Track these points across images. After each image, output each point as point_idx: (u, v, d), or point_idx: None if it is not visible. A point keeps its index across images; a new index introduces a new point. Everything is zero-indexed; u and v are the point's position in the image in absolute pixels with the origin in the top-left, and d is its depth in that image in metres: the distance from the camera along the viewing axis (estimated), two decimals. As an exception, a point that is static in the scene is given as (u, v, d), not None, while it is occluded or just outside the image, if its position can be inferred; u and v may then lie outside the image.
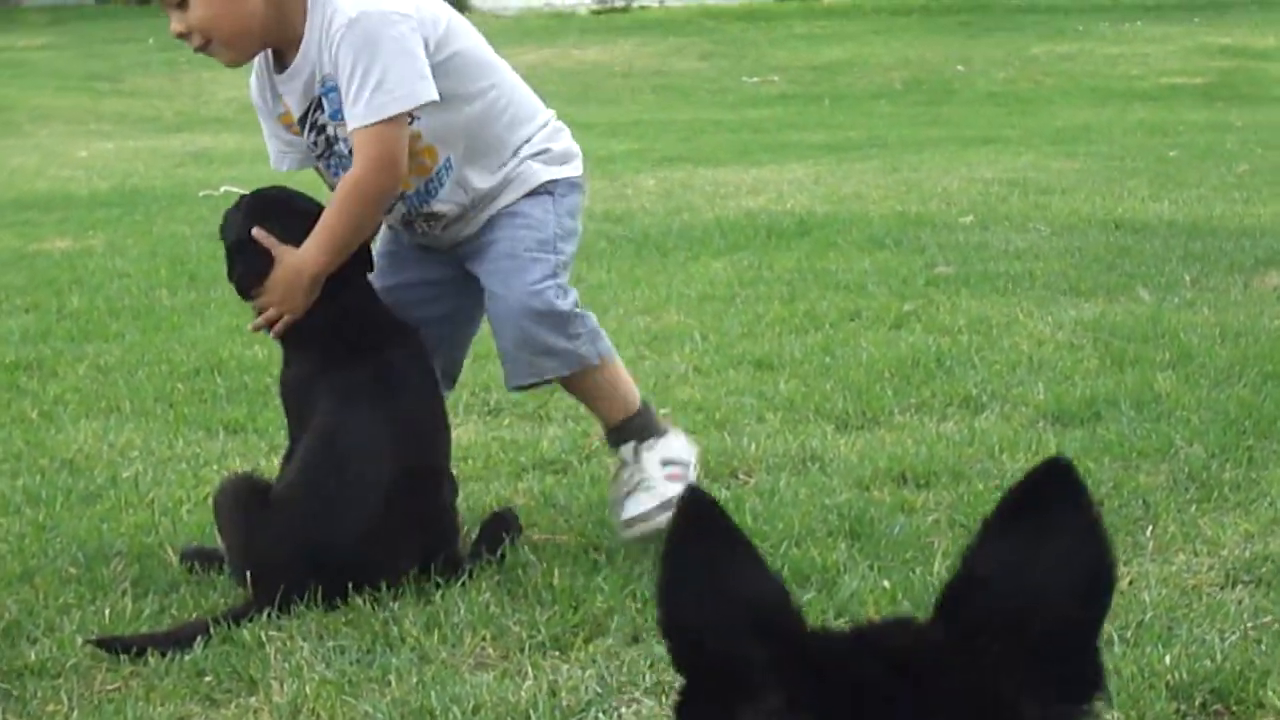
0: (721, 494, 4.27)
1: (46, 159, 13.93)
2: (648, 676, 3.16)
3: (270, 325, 3.78)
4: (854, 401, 5.09)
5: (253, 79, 3.88)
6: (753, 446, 4.68)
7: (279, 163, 3.94)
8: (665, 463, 3.94)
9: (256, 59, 3.81)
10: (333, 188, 3.82)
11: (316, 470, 3.63)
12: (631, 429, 3.98)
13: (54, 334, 6.55)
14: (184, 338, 6.41)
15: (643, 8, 26.42)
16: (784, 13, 25.43)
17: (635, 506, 3.86)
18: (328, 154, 3.80)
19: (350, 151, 3.67)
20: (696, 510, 1.38)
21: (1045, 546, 1.35)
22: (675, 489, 3.82)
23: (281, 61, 3.76)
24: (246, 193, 3.89)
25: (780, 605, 1.38)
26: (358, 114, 3.58)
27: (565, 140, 4.01)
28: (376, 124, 3.58)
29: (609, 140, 14.40)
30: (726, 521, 1.37)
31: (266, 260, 3.73)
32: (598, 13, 26.63)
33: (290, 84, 3.74)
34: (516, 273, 3.78)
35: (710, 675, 1.36)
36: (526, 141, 3.90)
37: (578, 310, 3.83)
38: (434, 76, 3.64)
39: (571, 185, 3.98)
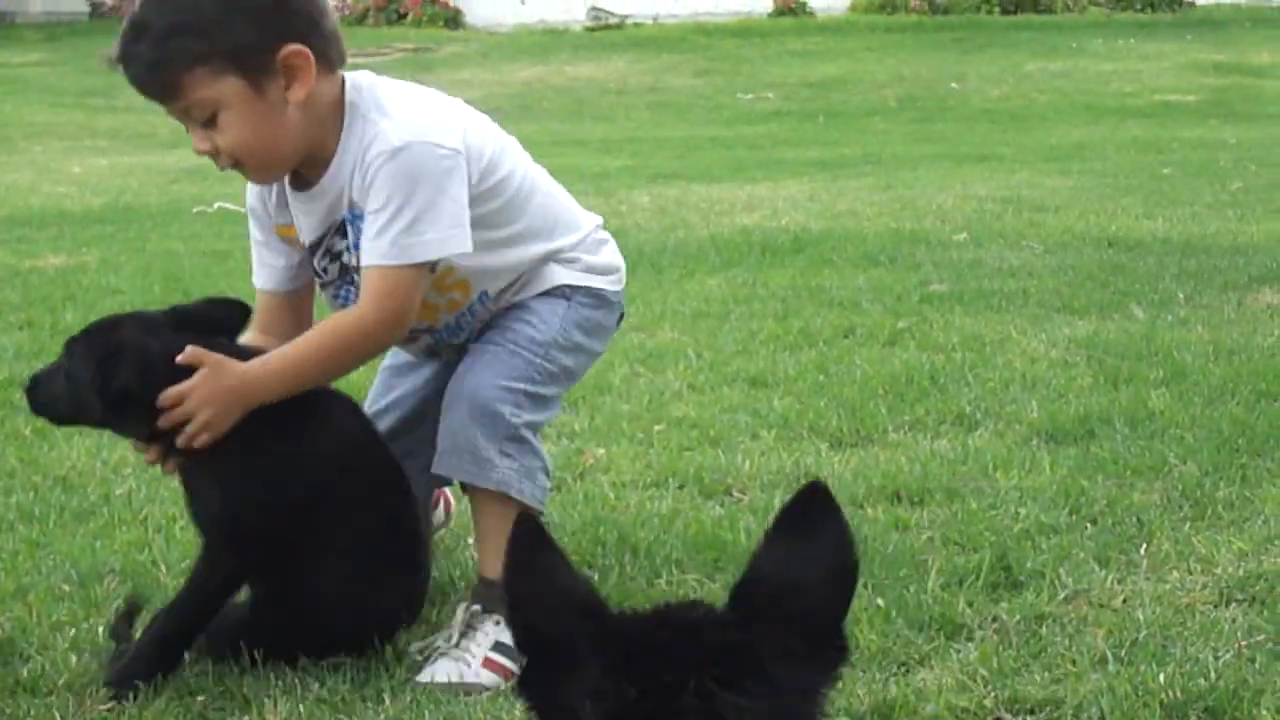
0: (716, 511, 4.27)
1: (40, 175, 13.93)
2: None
3: (160, 453, 3.32)
4: (848, 419, 5.09)
5: (251, 186, 3.55)
6: (747, 464, 4.68)
7: (262, 279, 3.59)
8: (495, 647, 3.35)
9: None
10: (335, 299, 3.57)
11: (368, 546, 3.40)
12: (496, 595, 3.37)
13: (48, 351, 6.52)
14: (178, 354, 6.39)
15: (637, 25, 26.46)
16: (778, 29, 25.48)
17: (439, 674, 3.29)
18: (340, 283, 3.50)
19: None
20: (531, 532, 1.86)
21: (808, 550, 1.81)
22: (489, 679, 3.30)
23: (303, 179, 3.43)
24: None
25: (594, 597, 1.83)
26: (379, 250, 3.26)
27: (607, 254, 3.68)
28: (397, 266, 3.27)
29: (603, 157, 14.42)
30: (551, 541, 1.85)
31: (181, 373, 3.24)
32: (592, 29, 26.67)
33: (310, 204, 3.43)
34: (491, 362, 3.45)
35: (545, 651, 1.81)
36: (557, 252, 3.58)
37: (525, 434, 3.43)
38: (474, 204, 3.34)
39: (596, 297, 3.62)
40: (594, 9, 27.45)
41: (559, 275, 3.58)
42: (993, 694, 3.08)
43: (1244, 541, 3.88)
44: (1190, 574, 3.71)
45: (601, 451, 4.89)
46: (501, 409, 3.40)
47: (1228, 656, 3.21)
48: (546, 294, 3.57)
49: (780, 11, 26.69)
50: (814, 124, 17.80)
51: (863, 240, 8.76)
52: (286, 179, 3.45)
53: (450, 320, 3.54)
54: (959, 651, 3.29)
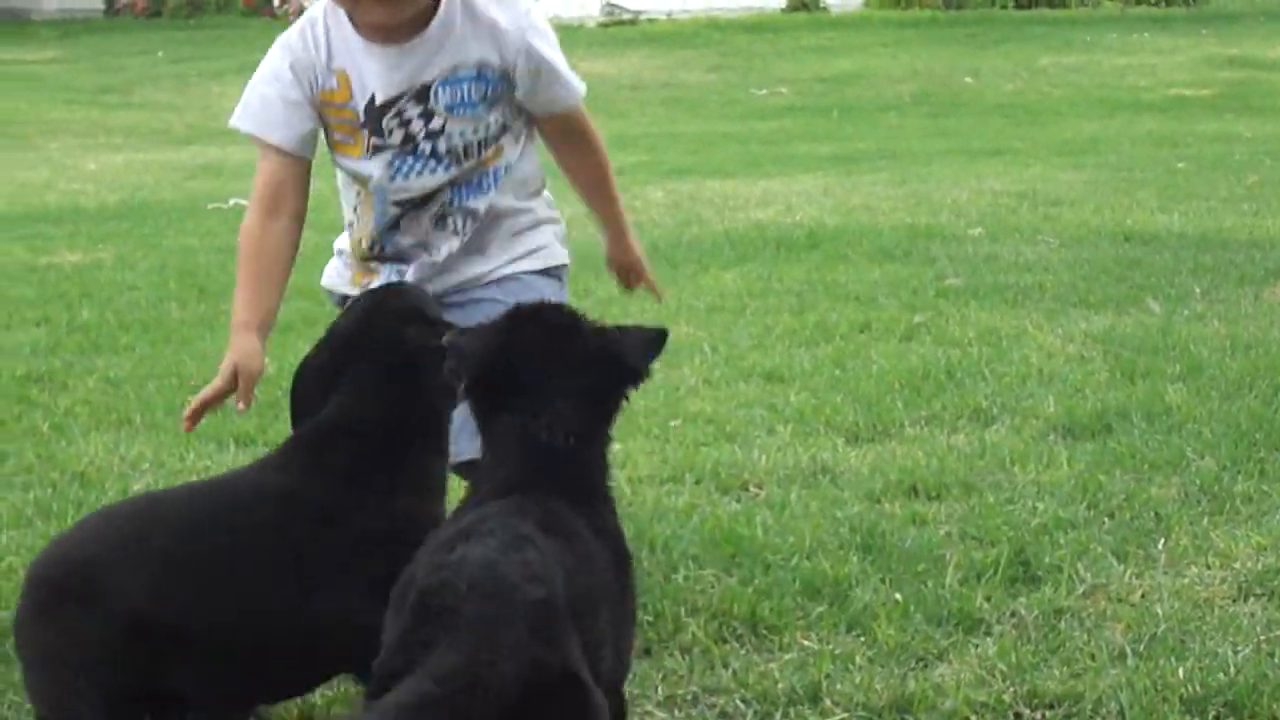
0: (732, 507, 4.27)
1: (56, 172, 13.95)
2: (659, 689, 3.16)
3: None
4: (864, 414, 5.09)
5: (296, 38, 3.57)
6: (763, 459, 4.68)
7: (286, 139, 3.54)
8: None
9: (326, 27, 3.53)
10: (374, 188, 3.56)
11: None
12: None
13: (64, 347, 6.56)
14: (194, 350, 6.41)
15: (651, 20, 26.43)
16: (792, 24, 25.44)
17: None
18: (400, 152, 3.53)
19: (433, 153, 3.51)
20: None
21: None
22: None
23: (394, 33, 3.46)
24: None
25: None
26: (578, 90, 3.62)
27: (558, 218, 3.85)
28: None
29: (617, 152, 14.36)
30: None
31: None
32: (605, 25, 26.65)
33: (400, 60, 3.47)
34: None
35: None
36: (544, 191, 3.74)
37: None
38: None
39: (565, 273, 3.79)
40: (608, 5, 27.43)
41: (558, 253, 3.73)
42: (1011, 689, 3.09)
43: (1262, 536, 3.88)
44: (1209, 569, 3.71)
45: (617, 447, 4.88)
46: None
47: (1247, 651, 3.21)
48: (544, 272, 3.68)
49: (794, 7, 26.66)
50: (828, 119, 17.77)
51: (878, 235, 8.74)
52: (368, 34, 3.48)
53: (476, 177, 3.58)
54: (977, 646, 3.29)
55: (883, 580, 3.65)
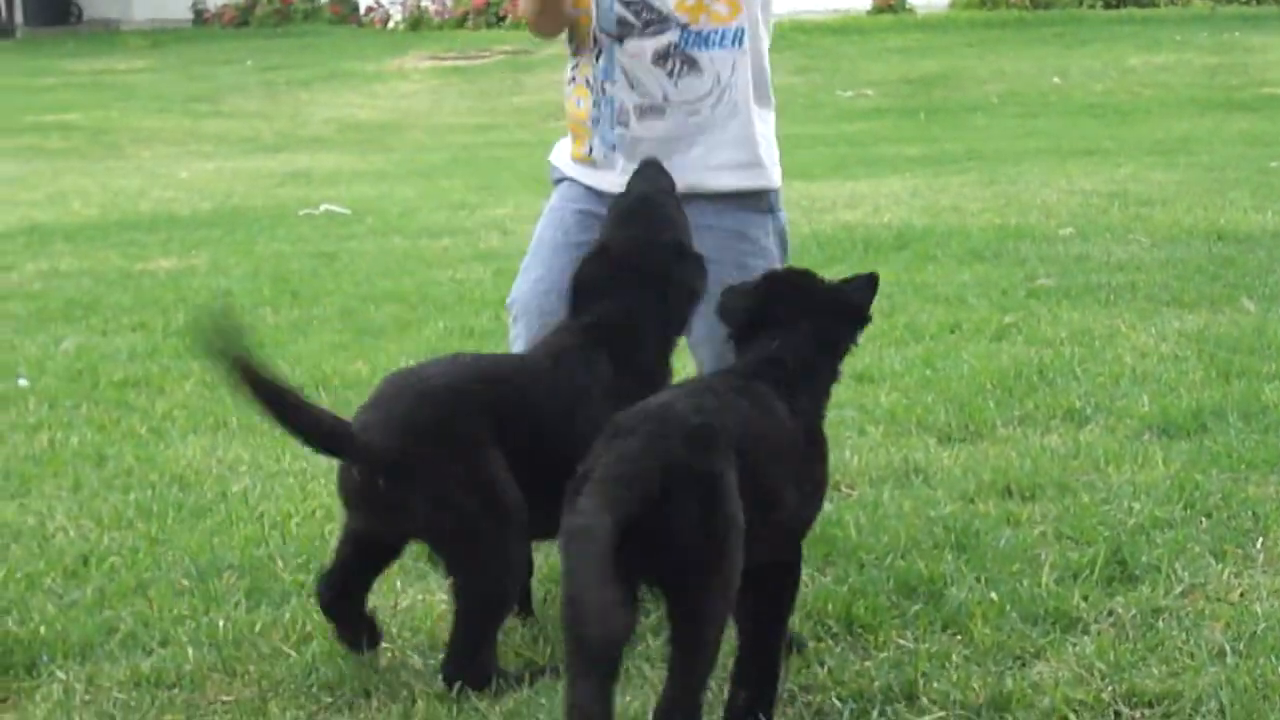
0: (825, 507, 4.26)
1: (149, 180, 14.11)
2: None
3: None
4: (956, 414, 5.08)
5: None
6: (855, 459, 4.67)
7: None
8: None
9: None
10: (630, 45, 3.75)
11: None
12: None
13: (161, 351, 6.64)
14: (288, 354, 6.47)
15: (735, 23, 26.43)
16: (877, 26, 25.34)
17: None
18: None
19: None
20: None
21: None
22: None
23: None
24: None
25: None
26: None
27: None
28: None
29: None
30: None
31: None
32: (690, 29, 26.66)
33: None
34: None
35: None
36: (770, 115, 3.97)
37: None
38: None
39: (781, 201, 4.05)
40: (692, 9, 27.44)
41: (774, 176, 3.98)
42: (1110, 687, 3.07)
43: (1362, 535, 3.84)
44: (1308, 568, 3.67)
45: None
46: None
47: (1348, 650, 3.18)
48: (759, 210, 3.93)
49: (880, 8, 26.54)
50: (915, 121, 17.69)
51: (967, 236, 8.70)
52: None
53: (707, 26, 3.74)
54: (1074, 645, 3.28)
55: (978, 579, 3.64)
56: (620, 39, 3.76)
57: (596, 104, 3.85)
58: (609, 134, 3.84)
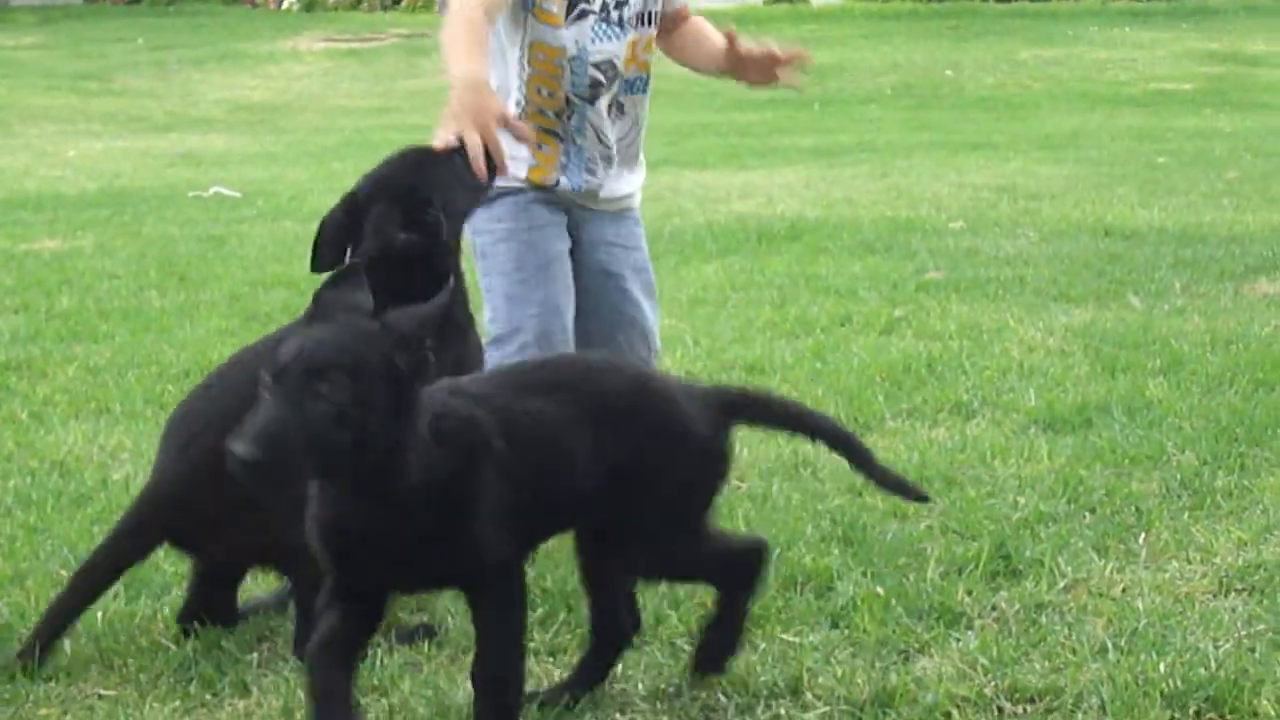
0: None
1: (35, 159, 13.90)
2: (642, 683, 3.16)
3: None
4: (845, 407, 5.09)
5: None
6: (745, 451, 4.67)
7: None
8: None
9: None
10: (563, 61, 3.95)
11: None
12: None
13: (43, 334, 6.53)
14: (174, 339, 6.39)
15: (632, 10, 26.44)
16: (773, 16, 25.44)
17: None
18: (598, 17, 3.98)
19: (620, 20, 4.00)
20: None
21: None
22: None
23: None
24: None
25: None
26: None
27: None
28: None
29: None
30: None
31: None
32: (587, 15, 26.62)
33: None
34: (650, 296, 4.23)
35: None
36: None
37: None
38: None
39: None
40: (589, -5, 27.43)
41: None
42: (992, 683, 3.09)
43: (1243, 531, 3.89)
44: (1189, 563, 3.72)
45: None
46: (657, 344, 4.23)
47: (1228, 646, 3.22)
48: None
49: (776, 0, 26.67)
50: (809, 111, 17.78)
51: (859, 228, 8.75)
52: None
53: (635, 77, 4.10)
54: (959, 640, 3.29)
55: (864, 573, 3.65)
56: (592, 100, 4.04)
57: (566, 153, 4.07)
58: (578, 179, 4.09)
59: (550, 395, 2.93)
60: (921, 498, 3.38)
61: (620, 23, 4.02)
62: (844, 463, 4.43)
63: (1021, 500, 4.12)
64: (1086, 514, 4.04)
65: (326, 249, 3.47)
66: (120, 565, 3.39)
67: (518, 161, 3.94)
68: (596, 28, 3.98)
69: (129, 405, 5.38)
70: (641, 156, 4.26)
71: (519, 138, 3.66)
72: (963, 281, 7.14)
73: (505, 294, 4.01)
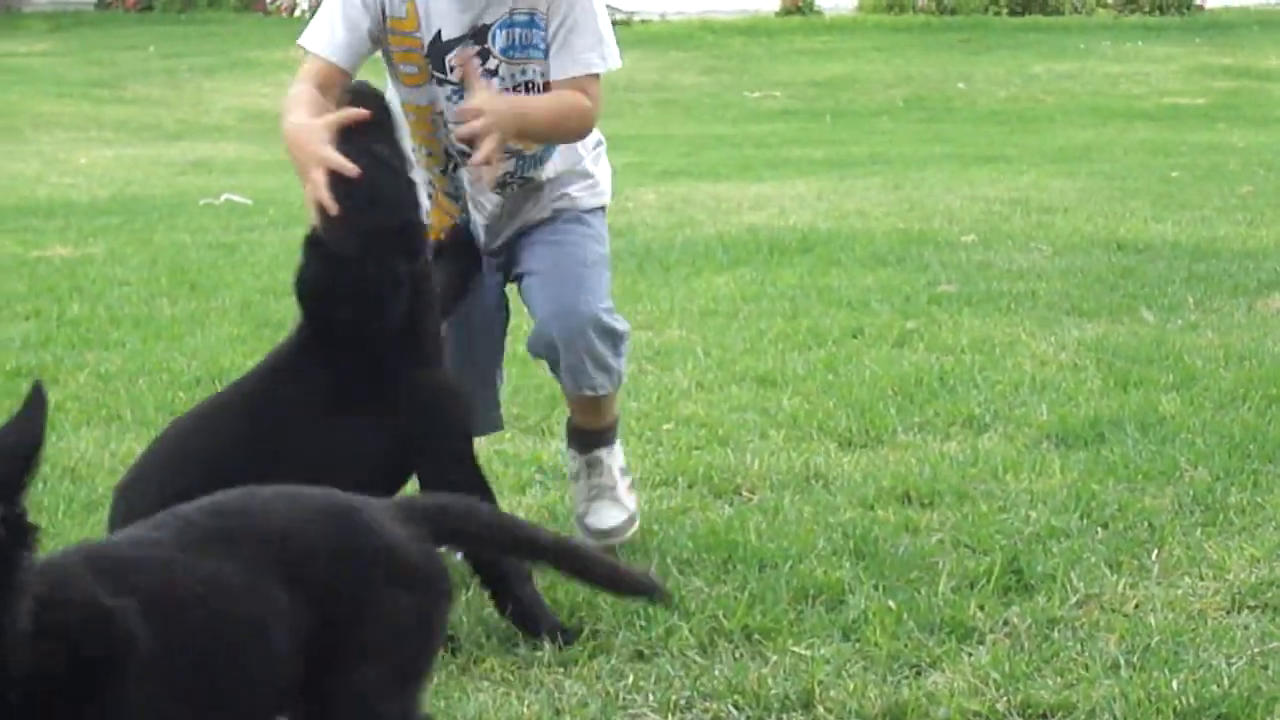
0: (725, 511, 4.26)
1: (47, 165, 13.92)
2: (653, 695, 3.15)
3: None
4: (857, 419, 5.08)
5: None
6: (756, 463, 4.67)
7: (334, 51, 3.70)
8: (622, 471, 4.13)
9: None
10: (434, 117, 3.81)
11: None
12: (611, 434, 4.13)
13: (55, 341, 6.53)
14: (185, 347, 6.39)
15: (644, 21, 26.42)
16: (786, 28, 25.45)
17: (608, 519, 4.04)
18: (456, 88, 3.75)
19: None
20: None
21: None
22: (633, 502, 4.11)
23: None
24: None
25: None
26: (585, 60, 3.75)
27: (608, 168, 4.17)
28: (590, 75, 3.76)
29: (609, 154, 14.37)
30: None
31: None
32: (599, 26, 26.60)
33: (464, 5, 3.72)
34: (590, 284, 3.89)
35: None
36: (599, 143, 4.07)
37: (626, 330, 3.97)
38: None
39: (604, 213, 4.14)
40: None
41: (604, 192, 4.06)
42: (1004, 698, 3.08)
43: (1256, 547, 3.87)
44: (1202, 580, 3.70)
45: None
46: (614, 323, 3.88)
47: (1240, 663, 3.21)
48: (592, 210, 4.01)
49: (788, 10, 26.66)
50: (821, 123, 17.78)
51: (871, 240, 8.74)
52: None
53: (538, 149, 3.88)
54: (970, 655, 3.28)
55: (876, 587, 3.64)
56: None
57: (465, 210, 4.00)
58: (478, 232, 4.01)
59: (227, 551, 2.21)
60: (663, 598, 2.93)
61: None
62: (856, 476, 4.48)
63: (1034, 515, 4.11)
64: (1099, 529, 4.03)
65: None
66: None
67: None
68: (456, 98, 3.76)
69: (140, 413, 5.38)
70: (585, 167, 4.02)
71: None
72: (975, 295, 7.13)
73: None
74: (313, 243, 3.44)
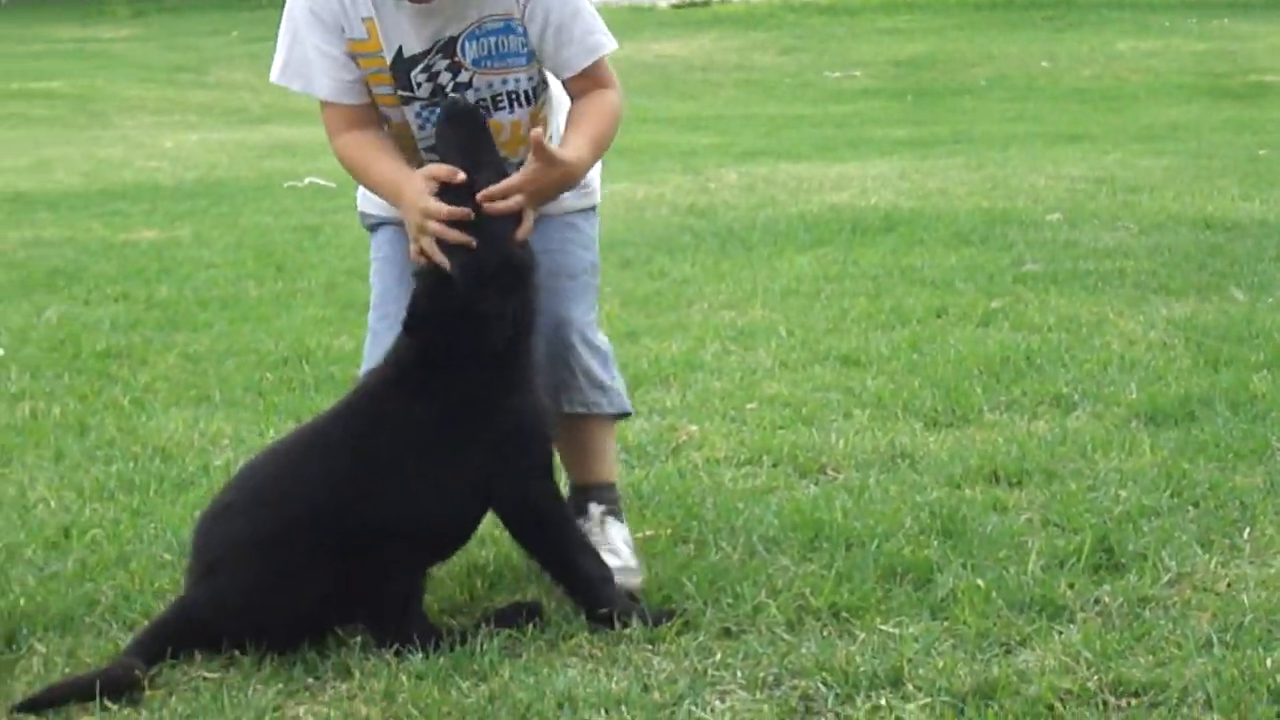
0: (810, 490, 4.25)
1: (133, 150, 14.06)
2: (741, 671, 3.15)
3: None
4: (943, 399, 5.06)
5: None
6: (840, 442, 4.65)
7: (336, 92, 3.62)
8: (627, 543, 3.77)
9: None
10: (409, 136, 3.66)
11: None
12: (614, 495, 3.89)
13: (143, 323, 6.61)
14: (271, 328, 6.45)
15: (723, 2, 26.36)
16: (866, 7, 25.32)
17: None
18: (427, 103, 3.62)
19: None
20: None
21: None
22: (636, 568, 3.67)
23: None
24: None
25: None
26: (592, 45, 3.61)
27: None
28: (602, 58, 3.63)
29: (690, 134, 14.39)
30: None
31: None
32: (678, 7, 26.58)
33: (427, 18, 3.55)
34: (576, 297, 3.76)
35: None
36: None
37: (610, 350, 3.85)
38: None
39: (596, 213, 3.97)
40: (681, -14, 27.37)
41: (595, 190, 3.87)
42: (1096, 676, 3.05)
43: (1349, 526, 3.82)
44: (1295, 558, 3.66)
45: (694, 428, 4.87)
46: (600, 340, 3.79)
47: (1336, 642, 3.16)
48: (583, 211, 3.84)
49: (868, -11, 26.52)
50: (902, 103, 17.69)
51: (954, 219, 8.69)
52: None
53: (525, 153, 3.56)
54: (1061, 633, 3.26)
55: (964, 565, 3.62)
56: None
57: None
58: None
59: None
60: None
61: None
62: (943, 455, 4.46)
63: (1123, 494, 4.08)
64: (1190, 508, 3.99)
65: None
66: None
67: None
68: (426, 113, 3.62)
69: (228, 393, 5.43)
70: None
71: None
72: (1061, 273, 7.07)
73: (370, 328, 3.83)
74: (424, 274, 3.44)
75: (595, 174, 3.87)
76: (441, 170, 3.41)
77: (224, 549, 3.29)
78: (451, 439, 3.36)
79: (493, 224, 3.39)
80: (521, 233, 3.42)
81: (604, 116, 3.62)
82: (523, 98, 3.67)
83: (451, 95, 3.59)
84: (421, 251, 3.39)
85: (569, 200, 3.78)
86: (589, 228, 3.88)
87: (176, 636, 3.26)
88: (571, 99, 3.70)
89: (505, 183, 3.40)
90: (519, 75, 3.64)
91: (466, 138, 3.45)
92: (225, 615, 3.25)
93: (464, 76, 3.61)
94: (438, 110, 3.57)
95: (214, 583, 3.27)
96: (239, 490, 3.40)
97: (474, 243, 3.36)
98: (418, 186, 3.41)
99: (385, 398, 3.40)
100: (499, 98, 3.64)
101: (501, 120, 3.65)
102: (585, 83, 3.65)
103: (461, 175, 3.40)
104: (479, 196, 3.38)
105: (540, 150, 3.41)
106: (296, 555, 3.24)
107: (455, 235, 3.35)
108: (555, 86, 3.76)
